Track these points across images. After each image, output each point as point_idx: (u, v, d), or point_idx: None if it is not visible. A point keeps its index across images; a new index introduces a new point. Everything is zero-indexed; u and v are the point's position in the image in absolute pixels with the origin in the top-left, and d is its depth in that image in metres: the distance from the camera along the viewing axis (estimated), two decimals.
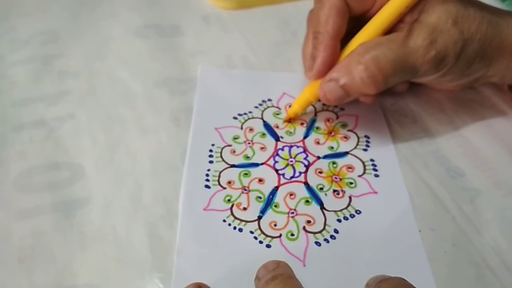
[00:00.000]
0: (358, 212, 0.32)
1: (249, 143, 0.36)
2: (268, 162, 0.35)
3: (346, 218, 0.32)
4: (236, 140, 0.36)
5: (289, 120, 0.38)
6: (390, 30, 0.34)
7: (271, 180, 0.34)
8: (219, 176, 0.34)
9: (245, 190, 0.33)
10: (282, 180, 0.34)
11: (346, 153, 0.36)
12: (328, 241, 0.31)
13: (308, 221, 0.32)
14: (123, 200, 0.33)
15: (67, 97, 0.39)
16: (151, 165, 0.35)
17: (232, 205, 0.32)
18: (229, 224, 0.31)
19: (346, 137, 0.37)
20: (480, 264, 0.30)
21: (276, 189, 0.33)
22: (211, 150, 0.36)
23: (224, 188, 0.33)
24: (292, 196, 0.33)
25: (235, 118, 0.38)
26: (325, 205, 0.33)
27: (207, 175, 0.34)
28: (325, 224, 0.32)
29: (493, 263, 0.30)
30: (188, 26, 0.47)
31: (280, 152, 0.36)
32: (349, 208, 0.33)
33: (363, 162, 0.35)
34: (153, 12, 0.48)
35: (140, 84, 0.41)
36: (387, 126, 0.38)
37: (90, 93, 0.40)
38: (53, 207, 0.32)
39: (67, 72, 0.41)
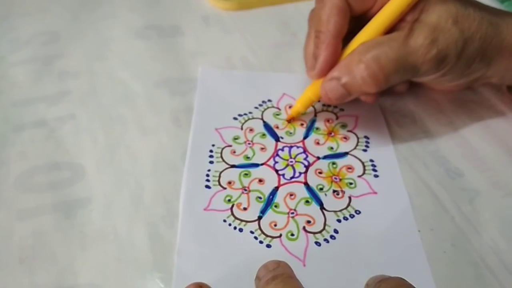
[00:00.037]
0: (358, 212, 0.32)
1: (249, 144, 0.36)
2: (268, 163, 0.35)
3: (346, 218, 0.32)
4: (236, 140, 0.37)
5: (290, 121, 0.38)
6: (391, 29, 0.34)
7: (271, 180, 0.34)
8: (219, 176, 0.34)
9: (245, 190, 0.33)
10: (282, 181, 0.34)
11: (346, 153, 0.36)
12: (328, 241, 0.31)
13: (308, 221, 0.32)
14: (123, 200, 0.33)
15: (67, 97, 0.39)
16: (152, 165, 0.35)
17: (233, 205, 0.33)
18: (230, 224, 0.31)
19: (345, 138, 0.37)
20: (479, 264, 0.30)
21: (276, 189, 0.34)
22: (211, 151, 0.36)
23: (225, 188, 0.33)
24: (292, 196, 0.33)
25: (235, 118, 0.38)
26: (325, 205, 0.33)
27: (207, 175, 0.34)
28: (325, 224, 0.32)
29: (492, 263, 0.30)
30: (188, 26, 0.47)
31: (280, 152, 0.36)
32: (349, 208, 0.33)
33: (362, 163, 0.35)
34: (153, 13, 0.48)
35: (141, 85, 0.41)
36: (386, 127, 0.38)
37: (90, 93, 0.40)
38: (54, 207, 0.32)
39: (67, 73, 0.42)
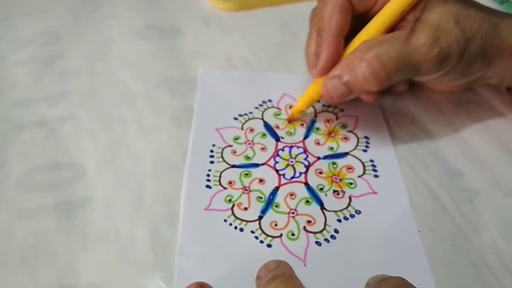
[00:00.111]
0: (358, 212, 0.33)
1: (249, 144, 0.37)
2: (268, 163, 0.35)
3: (346, 218, 0.32)
4: (237, 140, 0.37)
5: (290, 121, 0.38)
6: (392, 28, 0.34)
7: (272, 180, 0.34)
8: (220, 176, 0.34)
9: (246, 190, 0.34)
10: (283, 181, 0.34)
11: (346, 153, 0.36)
12: (328, 241, 0.31)
13: (309, 221, 0.32)
14: (124, 200, 0.33)
15: (68, 97, 0.40)
16: (153, 165, 0.35)
17: (233, 205, 0.33)
18: (230, 224, 0.32)
19: (346, 138, 0.37)
20: (479, 263, 0.30)
21: (276, 189, 0.34)
22: (212, 151, 0.36)
23: (225, 188, 0.34)
24: (293, 196, 0.33)
25: (235, 118, 0.38)
26: (325, 205, 0.33)
27: (208, 175, 0.34)
28: (325, 224, 0.32)
29: (492, 263, 0.30)
30: (188, 27, 0.47)
31: (280, 152, 0.36)
32: (349, 208, 0.33)
33: (362, 163, 0.36)
34: (154, 13, 0.48)
35: (141, 85, 0.41)
36: (386, 127, 0.38)
37: (91, 93, 0.40)
38: (55, 207, 0.32)
39: (68, 73, 0.42)
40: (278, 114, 0.39)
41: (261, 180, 0.34)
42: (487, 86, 0.41)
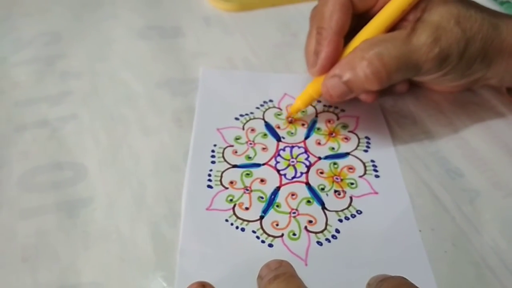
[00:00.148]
0: (359, 212, 0.33)
1: (250, 144, 0.37)
2: (269, 163, 0.35)
3: (347, 218, 0.32)
4: (238, 140, 0.37)
5: (291, 121, 0.38)
6: (392, 28, 0.34)
7: (273, 180, 0.34)
8: (221, 176, 0.34)
9: (247, 190, 0.34)
10: (284, 181, 0.34)
11: (347, 154, 0.36)
12: (329, 241, 0.31)
13: (310, 221, 0.32)
14: (126, 200, 0.33)
15: (69, 97, 0.40)
16: (154, 165, 0.35)
17: (234, 205, 0.33)
18: (232, 224, 0.32)
19: (346, 138, 0.37)
20: (480, 263, 0.30)
21: (277, 189, 0.34)
22: (213, 151, 0.36)
23: (226, 188, 0.34)
24: (294, 196, 0.33)
25: (236, 118, 0.38)
26: (326, 205, 0.33)
27: (209, 175, 0.34)
28: (326, 224, 0.32)
29: (493, 263, 0.30)
30: (189, 27, 0.47)
31: (281, 152, 0.36)
32: (350, 208, 0.33)
33: (363, 163, 0.36)
34: (155, 14, 0.48)
35: (142, 85, 0.41)
36: (387, 128, 0.38)
37: (92, 93, 0.40)
38: (57, 207, 0.32)
39: (69, 73, 0.42)
40: (279, 114, 0.39)
41: (262, 180, 0.34)
42: (488, 87, 0.41)
